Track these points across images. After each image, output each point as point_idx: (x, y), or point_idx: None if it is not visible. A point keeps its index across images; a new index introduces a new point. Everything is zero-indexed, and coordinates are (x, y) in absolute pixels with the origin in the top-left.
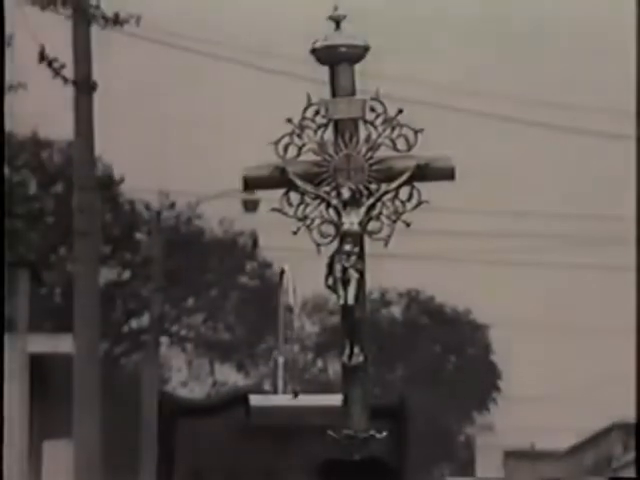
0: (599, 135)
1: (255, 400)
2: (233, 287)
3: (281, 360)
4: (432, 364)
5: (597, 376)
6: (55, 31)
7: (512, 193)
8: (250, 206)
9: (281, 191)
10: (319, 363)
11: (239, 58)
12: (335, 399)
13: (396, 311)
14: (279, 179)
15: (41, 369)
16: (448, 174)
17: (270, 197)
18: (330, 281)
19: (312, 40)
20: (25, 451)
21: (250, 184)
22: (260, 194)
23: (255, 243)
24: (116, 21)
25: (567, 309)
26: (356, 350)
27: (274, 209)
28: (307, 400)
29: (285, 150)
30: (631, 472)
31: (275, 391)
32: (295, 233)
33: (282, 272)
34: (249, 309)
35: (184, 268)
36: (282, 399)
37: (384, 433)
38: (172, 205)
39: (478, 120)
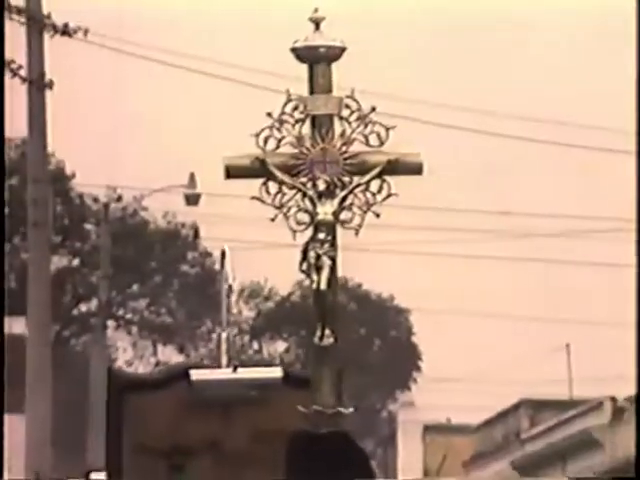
0: (506, 137)
1: (196, 374)
2: (175, 274)
3: (224, 335)
4: (358, 346)
5: (507, 358)
6: (12, 36)
7: (434, 190)
8: (192, 200)
9: (226, 184)
10: (255, 345)
11: (188, 65)
12: (273, 371)
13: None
14: (259, 169)
15: None
16: (417, 169)
17: (210, 191)
18: (304, 267)
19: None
20: None
21: (232, 173)
22: (200, 189)
23: (196, 234)
24: (65, 31)
25: (481, 297)
26: (327, 332)
27: (254, 197)
28: (246, 372)
29: (265, 142)
30: (537, 445)
31: (219, 365)
32: (273, 220)
33: (223, 253)
34: (190, 295)
35: (130, 256)
36: (222, 372)
37: (351, 409)
38: (119, 198)
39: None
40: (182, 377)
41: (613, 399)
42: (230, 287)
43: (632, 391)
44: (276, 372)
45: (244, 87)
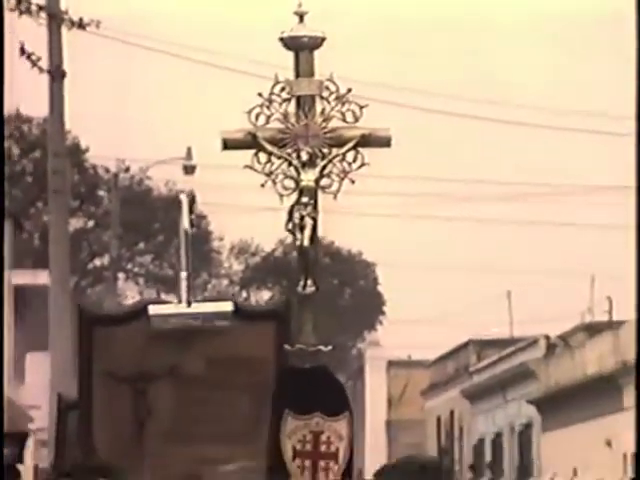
0: (467, 116)
1: (153, 309)
2: (175, 234)
3: (183, 274)
4: (332, 294)
5: (458, 304)
6: (32, 31)
7: (400, 161)
8: (189, 170)
9: (225, 155)
10: (244, 294)
11: (191, 56)
12: (224, 305)
13: None
14: (251, 142)
15: (24, 297)
16: (386, 142)
17: (205, 164)
18: (290, 226)
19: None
20: (11, 361)
21: (228, 145)
22: (196, 161)
23: (193, 200)
24: (80, 24)
25: (437, 252)
26: (309, 282)
27: (246, 166)
28: (199, 307)
29: (256, 118)
30: (482, 376)
31: (179, 301)
32: (262, 186)
33: (179, 202)
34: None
35: (136, 219)
36: (177, 307)
37: (329, 347)
38: (127, 169)
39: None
40: (143, 312)
41: (547, 337)
42: (187, 232)
43: (563, 330)
44: (227, 306)
45: (236, 74)
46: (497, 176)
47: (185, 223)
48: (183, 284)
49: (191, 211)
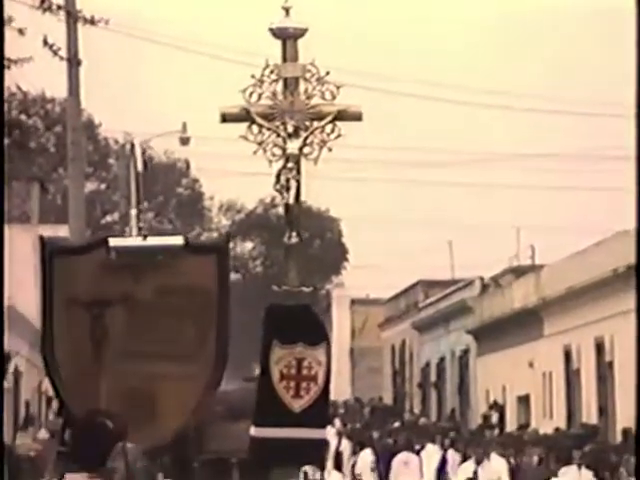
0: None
1: (113, 241)
2: (173, 195)
3: (133, 212)
4: (304, 245)
5: (408, 250)
6: (53, 26)
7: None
8: (184, 142)
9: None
10: (230, 245)
11: (188, 47)
12: (176, 239)
13: (280, 210)
14: (244, 116)
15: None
16: (358, 117)
17: (199, 135)
18: (277, 187)
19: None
20: (39, 309)
21: (226, 118)
22: (190, 133)
23: (188, 166)
24: (92, 21)
25: (396, 210)
26: (294, 234)
27: (241, 136)
28: (153, 240)
29: (250, 96)
30: (429, 311)
31: (130, 235)
32: (255, 153)
33: (132, 145)
34: (183, 209)
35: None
36: (134, 240)
37: (310, 288)
38: (132, 142)
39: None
40: (102, 244)
41: (481, 278)
42: (138, 173)
43: (494, 272)
44: (178, 240)
45: (226, 62)
46: (443, 145)
47: (138, 165)
48: (133, 220)
49: (186, 175)
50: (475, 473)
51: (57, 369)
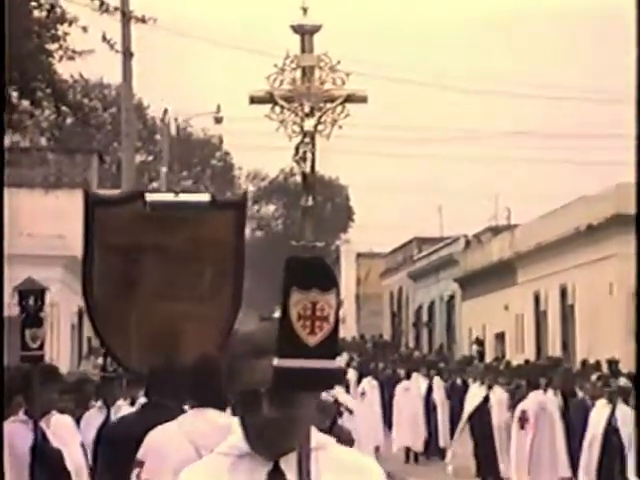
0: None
1: (149, 196)
2: (208, 166)
3: (164, 170)
4: (318, 208)
5: (404, 215)
6: (111, 24)
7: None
8: (218, 121)
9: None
10: (255, 207)
11: (220, 41)
12: (203, 196)
13: (298, 178)
14: (269, 98)
15: None
16: (364, 100)
17: (229, 116)
18: (296, 158)
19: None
20: None
21: (254, 100)
22: (223, 114)
23: (221, 141)
24: (142, 20)
25: (395, 179)
26: (309, 198)
27: (266, 116)
28: (184, 197)
29: (273, 82)
30: (422, 262)
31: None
32: (277, 130)
33: (165, 110)
34: (217, 178)
35: (181, 154)
36: (167, 196)
37: (323, 243)
38: (175, 119)
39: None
40: (138, 197)
41: (465, 236)
42: (171, 137)
43: (476, 231)
44: (205, 197)
45: (255, 54)
46: (436, 124)
47: (172, 130)
48: (163, 177)
49: (219, 148)
50: (486, 397)
51: (96, 308)
